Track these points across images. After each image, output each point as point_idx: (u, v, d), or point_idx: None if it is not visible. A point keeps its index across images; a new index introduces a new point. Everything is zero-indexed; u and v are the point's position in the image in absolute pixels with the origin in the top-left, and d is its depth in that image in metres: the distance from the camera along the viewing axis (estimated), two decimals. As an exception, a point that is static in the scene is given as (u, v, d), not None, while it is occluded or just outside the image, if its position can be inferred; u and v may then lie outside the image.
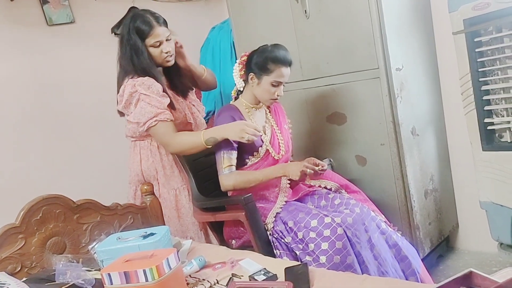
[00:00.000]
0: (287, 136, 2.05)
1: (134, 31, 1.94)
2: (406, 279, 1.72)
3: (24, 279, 1.49)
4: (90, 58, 2.69)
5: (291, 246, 1.71)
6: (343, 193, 1.95)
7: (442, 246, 2.49)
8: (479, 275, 1.01)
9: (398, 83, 2.09)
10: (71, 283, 1.41)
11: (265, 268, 1.38)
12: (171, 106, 1.98)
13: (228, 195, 1.98)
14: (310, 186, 1.97)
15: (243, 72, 1.96)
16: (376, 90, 2.10)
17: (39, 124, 2.52)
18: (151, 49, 1.97)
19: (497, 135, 1.97)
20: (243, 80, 1.97)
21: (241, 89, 2.00)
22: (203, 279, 1.43)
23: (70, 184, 2.46)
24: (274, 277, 1.34)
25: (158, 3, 2.94)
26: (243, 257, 1.52)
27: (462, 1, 1.85)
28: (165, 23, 1.99)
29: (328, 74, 2.25)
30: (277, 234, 1.76)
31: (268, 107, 2.05)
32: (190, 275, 1.46)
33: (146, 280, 1.19)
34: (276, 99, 1.93)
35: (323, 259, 1.62)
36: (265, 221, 1.79)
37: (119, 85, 1.99)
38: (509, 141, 1.93)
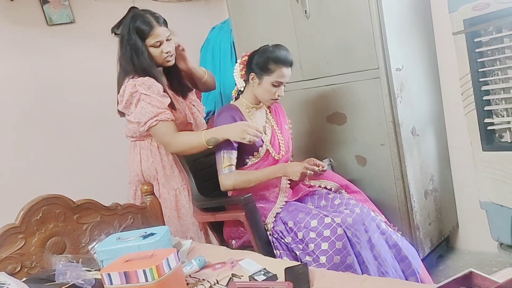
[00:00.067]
0: (287, 136, 2.05)
1: (134, 31, 1.94)
2: (406, 279, 1.72)
3: (24, 279, 1.49)
4: (90, 58, 2.69)
5: (291, 246, 1.71)
6: (343, 193, 1.95)
7: (442, 246, 2.49)
8: (479, 275, 1.01)
9: (398, 83, 2.09)
10: (71, 283, 1.41)
11: (265, 268, 1.38)
12: (171, 106, 1.98)
13: (228, 195, 1.98)
14: (310, 186, 1.97)
15: (243, 72, 1.96)
16: (376, 90, 2.10)
17: (39, 124, 2.52)
18: (152, 49, 1.97)
19: (497, 135, 1.97)
20: (243, 80, 1.97)
21: (242, 89, 2.00)
22: (203, 279, 1.43)
23: (70, 184, 2.46)
24: (274, 277, 1.34)
25: (158, 3, 2.94)
26: (243, 257, 1.52)
27: (462, 2, 1.85)
28: (165, 23, 1.99)
29: (328, 74, 2.25)
30: (277, 234, 1.76)
31: (269, 107, 2.05)
32: (190, 275, 1.46)
33: (146, 280, 1.19)
34: (277, 99, 1.93)
35: (323, 259, 1.62)
36: (265, 221, 1.79)
37: (120, 85, 1.99)
38: (509, 141, 1.93)
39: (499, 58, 1.87)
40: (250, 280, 1.35)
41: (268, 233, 1.78)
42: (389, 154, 2.14)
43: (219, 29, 3.02)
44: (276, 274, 1.35)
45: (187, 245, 1.71)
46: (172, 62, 2.04)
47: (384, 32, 2.02)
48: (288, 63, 1.87)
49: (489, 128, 1.95)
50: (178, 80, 2.13)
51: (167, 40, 1.98)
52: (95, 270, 1.51)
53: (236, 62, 2.02)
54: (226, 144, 1.86)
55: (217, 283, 1.40)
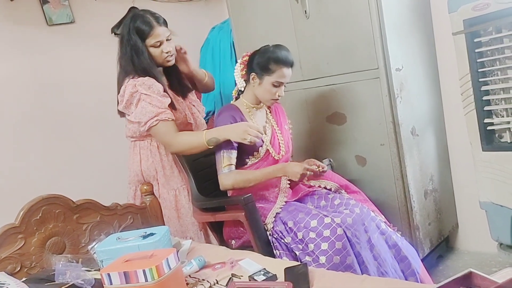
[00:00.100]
0: (287, 136, 2.05)
1: (134, 31, 1.94)
2: (406, 280, 1.72)
3: (24, 279, 1.49)
4: (90, 58, 2.69)
5: (291, 246, 1.71)
6: (343, 193, 1.95)
7: (442, 247, 2.50)
8: (478, 276, 1.01)
9: (398, 83, 2.09)
10: (71, 283, 1.41)
11: (264, 268, 1.38)
12: (172, 106, 1.98)
13: (228, 195, 1.99)
14: (310, 186, 1.97)
15: (244, 72, 1.96)
16: (376, 90, 2.10)
17: (39, 124, 2.52)
18: (152, 49, 1.97)
19: (497, 135, 1.97)
20: (244, 80, 1.98)
21: (242, 89, 2.00)
22: (203, 279, 1.43)
23: (70, 184, 2.46)
24: (273, 277, 1.34)
25: (158, 3, 2.94)
26: (242, 257, 1.52)
27: (462, 2, 1.85)
28: (165, 23, 2.00)
29: (328, 74, 2.25)
30: (276, 234, 1.76)
31: (269, 107, 2.05)
32: (189, 275, 1.46)
33: (146, 280, 1.19)
34: (277, 99, 1.93)
35: (322, 259, 1.62)
36: (264, 221, 1.79)
37: (120, 85, 1.99)
38: (509, 141, 1.93)
39: (499, 58, 1.87)
40: (250, 280, 1.35)
41: (267, 233, 1.78)
42: (389, 154, 2.14)
43: (219, 29, 3.02)
44: (275, 274, 1.35)
45: (187, 245, 1.71)
46: (172, 62, 2.04)
47: (384, 32, 2.02)
48: (289, 64, 1.88)
49: (488, 128, 1.95)
50: (178, 80, 2.13)
51: (167, 40, 1.98)
52: (94, 270, 1.51)
53: (236, 62, 2.02)
54: (226, 143, 1.86)
55: (217, 283, 1.40)
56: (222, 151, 1.88)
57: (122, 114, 2.06)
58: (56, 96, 2.58)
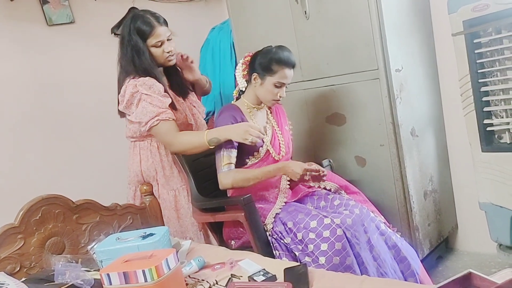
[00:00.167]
0: (287, 137, 2.05)
1: (135, 31, 1.94)
2: (405, 280, 1.72)
3: (23, 279, 1.49)
4: (90, 58, 2.69)
5: (291, 246, 1.72)
6: (343, 194, 1.95)
7: (442, 247, 2.50)
8: (478, 276, 1.01)
9: (397, 84, 2.09)
10: (70, 283, 1.41)
11: (264, 269, 1.38)
12: (172, 106, 1.98)
13: (228, 195, 1.99)
14: (310, 187, 1.97)
15: (246, 72, 1.96)
16: (375, 91, 2.10)
17: (39, 124, 2.52)
18: (153, 49, 1.98)
19: (496, 136, 1.97)
20: (245, 80, 1.98)
21: (243, 89, 2.00)
22: (202, 280, 1.43)
23: (70, 184, 2.46)
24: (273, 278, 1.34)
25: (158, 3, 2.94)
26: (242, 258, 1.52)
27: (461, 3, 1.85)
28: (165, 23, 2.00)
29: (328, 75, 2.25)
30: (276, 235, 1.76)
31: (270, 107, 2.05)
32: (189, 276, 1.47)
33: (145, 280, 1.19)
34: (278, 100, 1.93)
35: (322, 260, 1.62)
36: (264, 222, 1.79)
37: (120, 85, 1.99)
38: (508, 142, 1.93)
39: (499, 59, 1.87)
40: (249, 280, 1.35)
41: (267, 233, 1.78)
42: (389, 155, 2.14)
43: (219, 29, 3.02)
44: (275, 275, 1.35)
45: (187, 245, 1.71)
46: (173, 62, 2.04)
47: (384, 33, 2.02)
48: (291, 65, 1.88)
49: (488, 129, 1.95)
50: (178, 81, 2.13)
51: (168, 39, 1.99)
52: (94, 270, 1.51)
53: (236, 62, 2.02)
54: (226, 142, 1.86)
55: (216, 283, 1.40)
56: (222, 150, 1.88)
57: (122, 114, 2.06)
58: (56, 96, 2.58)
